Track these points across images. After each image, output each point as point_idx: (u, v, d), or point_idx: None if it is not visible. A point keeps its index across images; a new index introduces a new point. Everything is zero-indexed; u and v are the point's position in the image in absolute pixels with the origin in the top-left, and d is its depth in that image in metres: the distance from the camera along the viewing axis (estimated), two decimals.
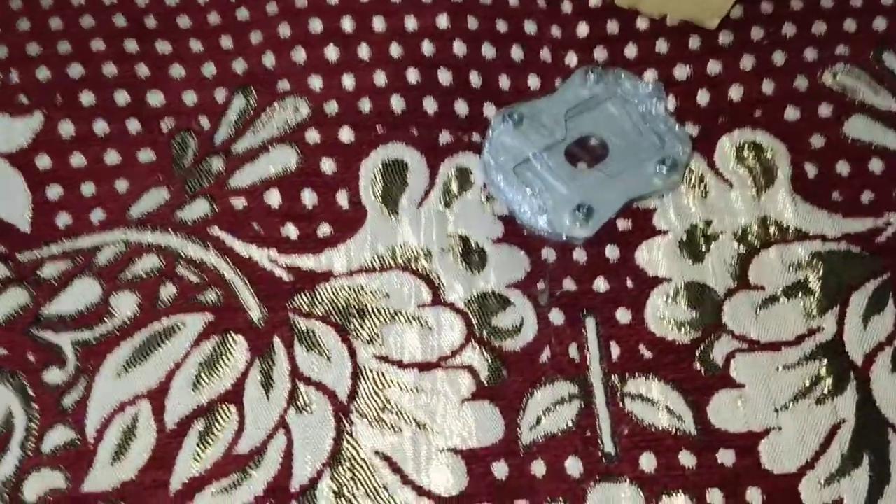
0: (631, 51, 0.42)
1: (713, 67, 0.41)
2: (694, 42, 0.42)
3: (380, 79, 0.40)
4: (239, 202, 0.37)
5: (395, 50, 0.41)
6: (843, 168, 0.39)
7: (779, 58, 0.41)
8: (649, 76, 0.41)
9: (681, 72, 0.41)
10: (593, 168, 0.38)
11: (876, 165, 0.39)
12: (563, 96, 0.39)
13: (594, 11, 0.43)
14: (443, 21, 0.42)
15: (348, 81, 0.40)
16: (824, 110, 0.40)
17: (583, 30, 0.43)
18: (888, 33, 0.42)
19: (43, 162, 0.38)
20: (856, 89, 0.41)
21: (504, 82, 0.41)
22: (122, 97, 0.40)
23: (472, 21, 0.42)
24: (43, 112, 0.39)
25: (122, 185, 0.38)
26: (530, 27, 0.42)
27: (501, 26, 0.42)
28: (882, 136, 0.39)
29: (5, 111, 0.39)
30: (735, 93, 0.41)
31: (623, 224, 0.38)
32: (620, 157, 0.38)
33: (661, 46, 0.42)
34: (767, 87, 0.41)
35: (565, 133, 0.38)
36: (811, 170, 0.39)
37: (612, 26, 0.43)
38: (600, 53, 0.42)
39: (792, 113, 0.40)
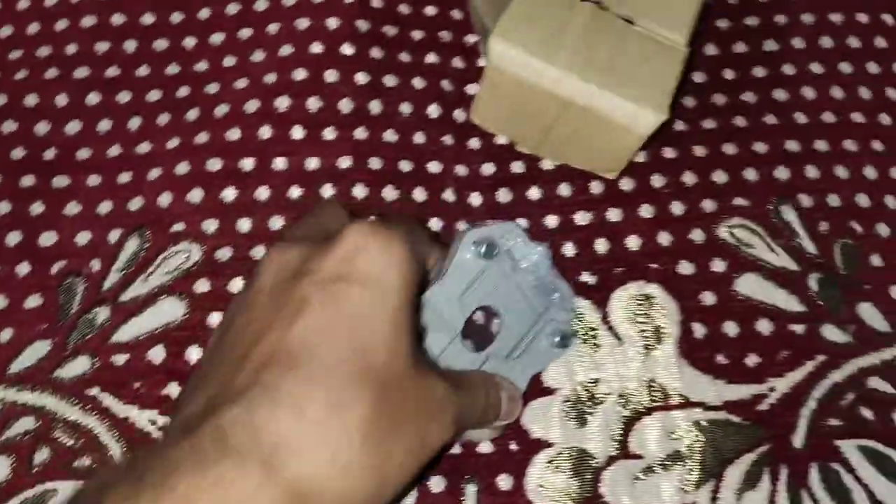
0: (534, 193, 0.42)
1: (612, 215, 0.42)
2: (595, 187, 0.42)
3: (275, 222, 0.40)
4: (121, 358, 0.37)
5: (294, 192, 0.41)
6: (730, 329, 0.39)
7: (677, 208, 0.42)
8: (550, 221, 0.41)
9: (582, 217, 0.42)
10: (492, 351, 0.35)
11: (763, 327, 0.39)
12: (456, 279, 0.34)
13: (500, 152, 0.43)
14: (345, 162, 0.42)
15: (243, 225, 0.40)
16: (718, 265, 0.40)
17: (489, 168, 0.43)
18: (791, 184, 0.42)
19: None
20: (751, 244, 0.41)
21: None
22: (14, 237, 0.39)
23: (376, 161, 0.42)
24: None
25: (5, 335, 0.37)
26: (434, 167, 0.42)
27: (405, 165, 0.42)
28: (772, 296, 0.40)
29: None
30: (633, 243, 0.41)
31: None
32: (514, 334, 0.36)
33: (564, 190, 0.42)
34: (664, 238, 0.41)
35: (462, 321, 0.35)
36: (699, 330, 0.39)
37: (517, 167, 0.43)
38: (504, 196, 0.42)
39: (686, 267, 0.40)
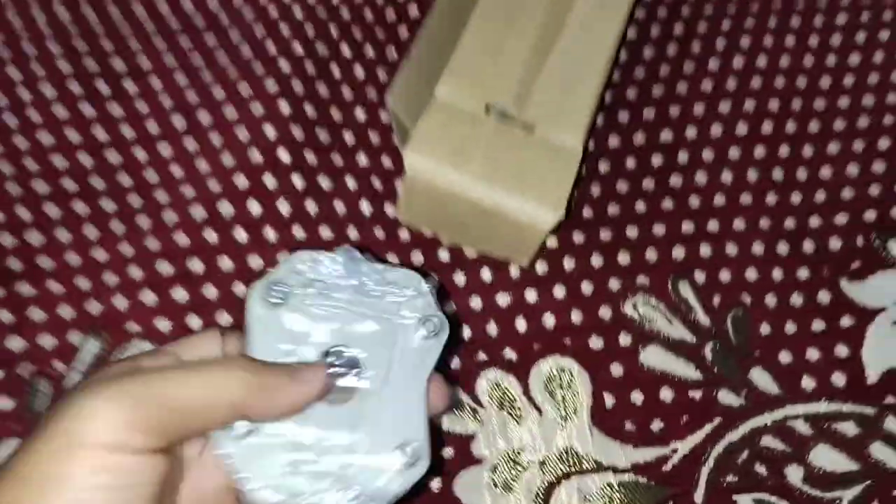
0: (460, 278, 0.47)
1: (530, 296, 0.46)
2: (514, 271, 0.47)
3: (223, 317, 0.44)
4: None
5: (239, 289, 0.45)
6: (636, 397, 0.44)
7: (587, 288, 0.46)
8: (475, 303, 0.46)
9: (502, 299, 0.46)
10: (365, 389, 0.30)
11: (666, 394, 0.44)
12: (265, 345, 0.30)
13: (427, 242, 0.47)
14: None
15: (193, 322, 0.44)
16: (624, 340, 0.45)
17: (417, 257, 0.47)
18: (687, 261, 0.47)
19: None
20: (653, 318, 0.46)
21: None
22: None
23: None
24: None
25: None
26: None
27: None
28: (673, 365, 0.44)
29: None
30: (549, 321, 0.46)
31: (447, 452, 0.42)
32: (378, 357, 0.31)
33: (486, 275, 0.47)
34: (576, 316, 0.46)
35: None
36: (609, 400, 0.44)
37: (444, 255, 0.47)
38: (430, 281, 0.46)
39: (596, 342, 0.45)
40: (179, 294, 0.45)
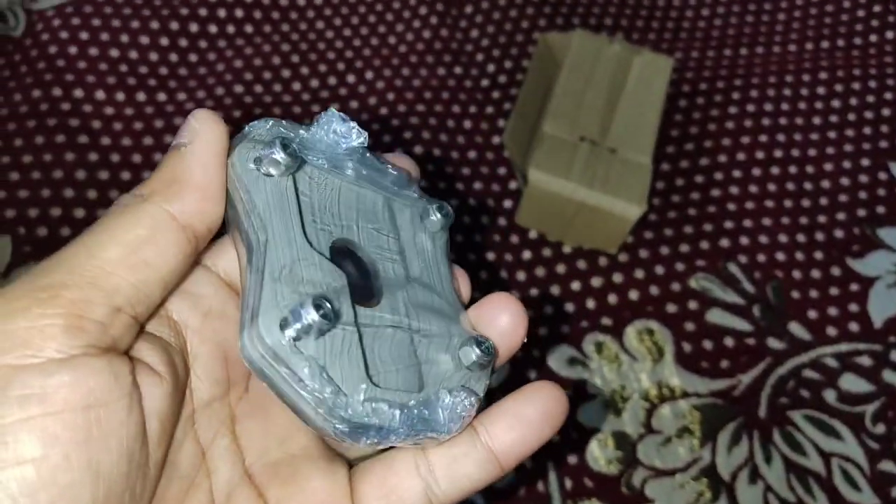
0: (560, 268, 0.62)
1: (616, 278, 0.61)
2: (602, 261, 0.62)
3: None
4: None
5: None
6: (707, 344, 0.58)
7: (659, 270, 0.61)
8: (575, 286, 0.60)
9: (596, 282, 0.61)
10: (389, 281, 0.26)
11: (728, 341, 0.58)
12: (280, 224, 0.23)
13: (533, 244, 0.62)
14: None
15: None
16: (692, 305, 0.60)
17: (527, 255, 0.62)
18: (732, 249, 0.63)
19: None
20: (712, 290, 0.61)
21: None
22: None
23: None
24: None
25: None
26: (490, 255, 0.62)
27: (471, 256, 0.61)
28: (731, 322, 0.59)
29: None
30: (633, 295, 0.60)
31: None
32: (388, 245, 0.26)
33: (581, 265, 0.62)
34: (653, 290, 0.61)
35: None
36: (687, 346, 0.58)
37: (547, 252, 0.62)
38: (540, 271, 0.61)
39: (672, 308, 0.60)
40: None
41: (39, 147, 0.64)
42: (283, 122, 0.25)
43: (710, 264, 0.62)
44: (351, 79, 0.70)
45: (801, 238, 0.63)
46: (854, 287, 0.61)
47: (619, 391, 0.56)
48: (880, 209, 0.65)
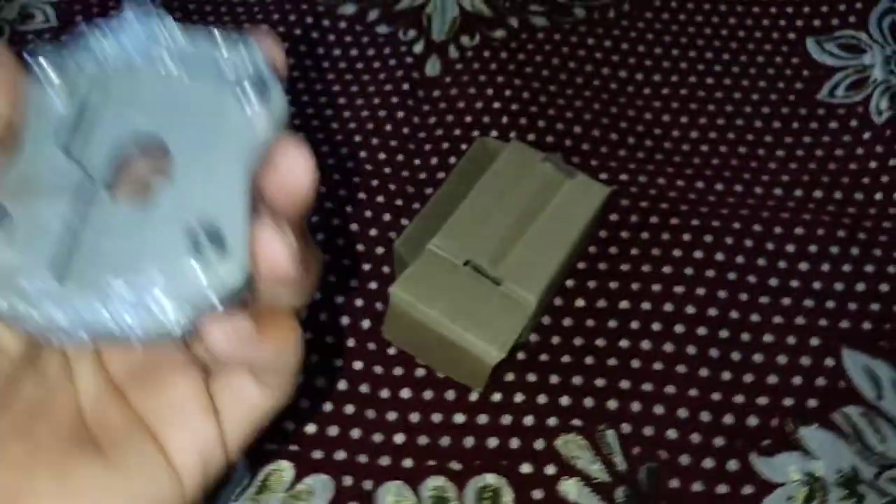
0: (428, 394, 0.57)
1: (481, 419, 0.56)
2: (473, 396, 0.56)
3: None
4: None
5: None
6: None
7: (529, 420, 0.55)
8: (435, 418, 0.55)
9: (459, 418, 0.56)
10: (169, 175, 0.23)
11: None
12: (34, 128, 0.23)
13: (408, 359, 0.58)
14: None
15: None
16: (550, 469, 0.53)
17: (398, 371, 0.58)
18: (617, 413, 0.56)
19: None
20: (578, 456, 0.54)
21: (326, 407, 0.56)
22: None
23: (314, 356, 0.58)
24: None
25: None
26: (358, 364, 0.58)
27: (337, 361, 0.58)
28: (587, 500, 0.52)
29: None
30: (492, 443, 0.55)
31: None
32: (186, 144, 0.23)
33: (450, 395, 0.57)
34: (514, 442, 0.54)
35: (86, 174, 0.23)
36: None
37: (420, 372, 0.58)
38: (406, 393, 0.57)
39: (526, 467, 0.54)
40: None
41: None
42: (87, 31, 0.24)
43: (588, 426, 0.55)
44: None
45: (704, 416, 0.55)
46: (748, 490, 0.53)
47: None
48: (811, 403, 0.56)
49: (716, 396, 0.56)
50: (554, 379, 0.57)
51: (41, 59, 0.23)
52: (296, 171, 0.23)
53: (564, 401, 0.56)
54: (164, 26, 0.24)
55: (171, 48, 0.24)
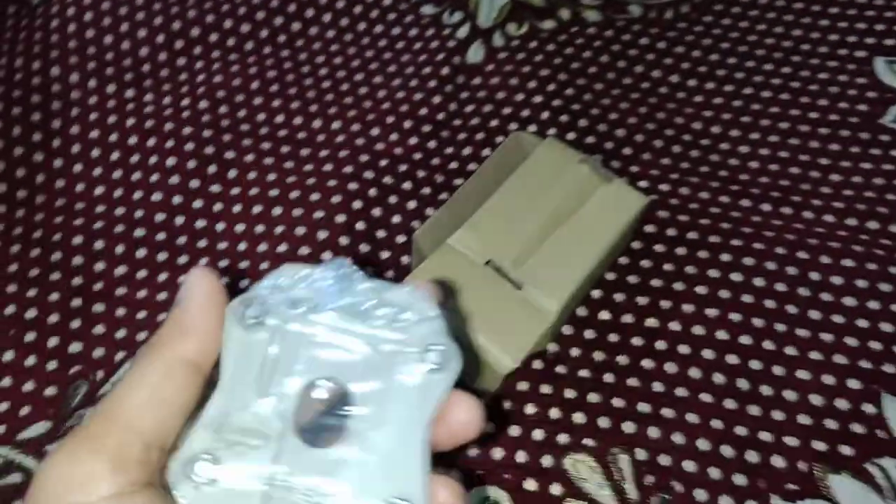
0: None
1: (488, 427, 0.52)
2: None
3: None
4: None
5: None
6: None
7: (538, 434, 0.52)
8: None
9: None
10: (352, 429, 0.26)
11: None
12: (240, 370, 0.27)
13: None
14: None
15: None
16: (555, 489, 0.50)
17: None
18: (632, 439, 0.52)
19: None
20: (587, 479, 0.51)
21: None
22: (54, 341, 0.55)
23: None
24: None
25: (24, 410, 0.52)
26: None
27: None
28: None
29: None
30: (497, 454, 0.52)
31: None
32: (369, 394, 0.26)
33: None
34: (521, 456, 0.51)
35: (282, 420, 0.26)
36: None
37: None
38: None
39: (531, 484, 0.50)
40: None
41: (13, 118, 0.65)
42: (290, 271, 0.28)
43: (601, 448, 0.52)
44: (316, 124, 0.66)
45: (726, 451, 0.52)
46: None
47: None
48: (845, 450, 0.52)
49: (741, 431, 0.52)
50: (569, 393, 0.54)
51: (243, 304, 0.27)
52: (468, 426, 0.27)
53: (578, 418, 0.53)
54: (357, 281, 0.27)
55: (359, 303, 0.27)
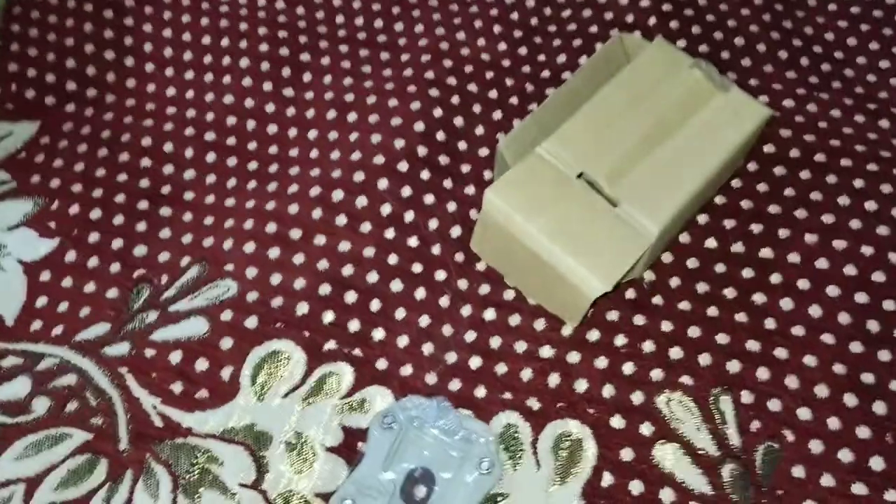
0: (514, 319, 0.49)
1: (572, 357, 0.47)
2: (566, 330, 0.48)
3: (298, 283, 0.50)
4: (150, 352, 0.48)
5: (322, 265, 0.51)
6: (635, 486, 0.43)
7: (628, 368, 0.47)
8: (519, 347, 0.48)
9: (546, 351, 0.48)
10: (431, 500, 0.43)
11: (666, 495, 0.43)
12: (374, 454, 0.44)
13: (498, 278, 0.50)
14: (369, 251, 0.51)
15: (274, 279, 0.50)
16: (645, 429, 0.45)
17: (484, 289, 0.50)
18: (736, 379, 0.46)
19: (44, 276, 0.51)
20: (682, 420, 0.45)
21: (399, 314, 0.49)
22: (118, 243, 0.52)
23: (394, 258, 0.51)
24: (60, 239, 0.52)
25: (84, 312, 0.50)
26: (441, 275, 0.51)
27: (417, 267, 0.51)
28: (685, 471, 0.43)
29: (35, 230, 0.53)
30: (580, 386, 0.46)
31: None
32: (446, 483, 0.43)
33: (539, 324, 0.49)
34: (608, 390, 0.46)
35: (392, 486, 0.43)
36: (607, 478, 0.43)
37: (508, 294, 0.50)
38: (489, 314, 0.49)
39: (617, 421, 0.45)
40: (273, 252, 0.51)
41: (67, 10, 0.62)
42: (414, 401, 0.46)
43: (699, 387, 0.46)
44: (398, 26, 0.61)
45: (849, 400, 0.45)
46: (891, 496, 0.42)
47: (497, 500, 0.44)
48: None
49: (868, 378, 0.45)
50: (666, 326, 0.48)
51: (382, 414, 0.45)
52: None
53: (675, 353, 0.47)
54: (450, 411, 0.45)
55: (450, 424, 0.45)
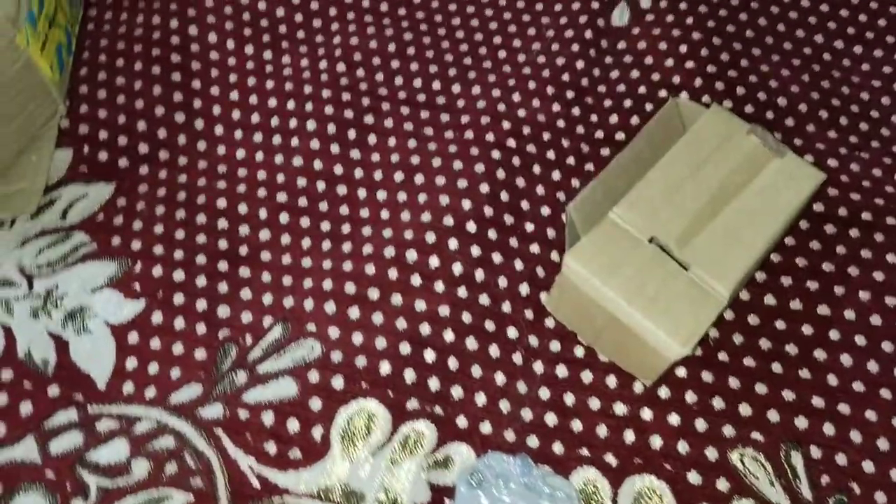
0: (587, 376, 0.51)
1: (645, 414, 0.50)
2: (638, 387, 0.51)
3: (380, 343, 0.52)
4: (243, 414, 0.50)
5: (401, 324, 0.53)
6: None
7: (700, 425, 0.49)
8: (593, 404, 0.50)
9: (619, 409, 0.50)
10: None
11: None
12: None
13: (568, 335, 0.53)
14: (444, 310, 0.53)
15: (356, 339, 0.52)
16: (721, 484, 0.47)
17: (555, 346, 0.53)
18: (804, 434, 0.48)
19: (132, 338, 0.53)
20: (756, 476, 0.47)
21: (476, 372, 0.52)
22: (202, 304, 0.54)
23: (467, 316, 0.53)
24: (146, 300, 0.54)
25: (175, 373, 0.52)
26: (513, 332, 0.53)
27: (489, 325, 0.53)
28: None
29: (121, 291, 0.55)
30: (656, 442, 0.49)
31: None
32: None
33: (611, 381, 0.51)
34: (682, 446, 0.48)
35: None
36: None
37: (579, 351, 0.52)
38: (561, 371, 0.52)
39: (694, 477, 0.48)
40: (354, 313, 0.53)
41: (135, 73, 0.65)
42: (497, 457, 0.48)
43: (770, 442, 0.48)
44: (455, 88, 0.63)
45: None
46: None
47: None
48: None
49: None
50: (734, 383, 0.50)
51: (468, 472, 0.47)
52: None
53: (744, 410, 0.49)
54: (533, 468, 0.47)
55: (534, 481, 0.46)
